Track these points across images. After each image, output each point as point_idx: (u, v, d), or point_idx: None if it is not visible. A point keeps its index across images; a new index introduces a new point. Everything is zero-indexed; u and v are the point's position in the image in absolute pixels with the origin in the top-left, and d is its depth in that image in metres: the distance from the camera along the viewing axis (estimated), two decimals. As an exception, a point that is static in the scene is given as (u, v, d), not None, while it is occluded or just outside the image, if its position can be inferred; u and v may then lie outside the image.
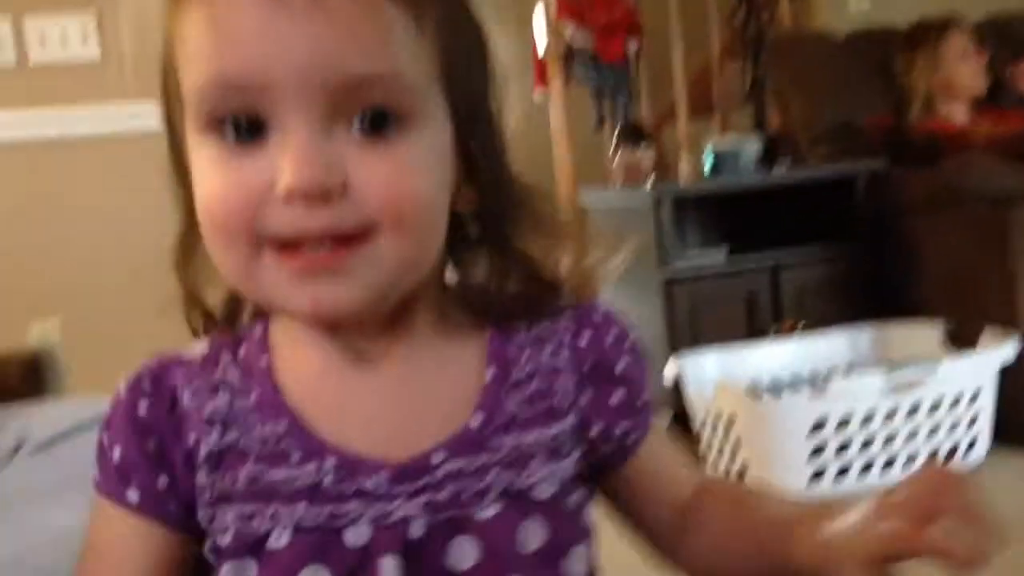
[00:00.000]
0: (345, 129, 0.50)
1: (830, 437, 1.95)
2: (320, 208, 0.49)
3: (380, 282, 0.52)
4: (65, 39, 2.45)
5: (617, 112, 2.91)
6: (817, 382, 2.11)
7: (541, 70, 2.99)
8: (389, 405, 0.57)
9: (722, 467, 2.10)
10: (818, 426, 1.95)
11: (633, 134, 2.64)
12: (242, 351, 0.59)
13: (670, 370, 2.16)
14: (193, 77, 0.51)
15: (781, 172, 2.48)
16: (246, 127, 0.50)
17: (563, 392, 0.59)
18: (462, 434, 0.56)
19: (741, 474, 2.03)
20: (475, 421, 0.57)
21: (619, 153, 2.62)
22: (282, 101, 0.49)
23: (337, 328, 0.56)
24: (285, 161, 0.50)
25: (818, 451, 1.96)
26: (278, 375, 0.58)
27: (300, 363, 0.58)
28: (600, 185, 2.75)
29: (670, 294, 2.34)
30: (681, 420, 2.21)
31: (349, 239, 0.50)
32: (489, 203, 0.58)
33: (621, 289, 2.59)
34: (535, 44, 2.98)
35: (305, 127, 0.50)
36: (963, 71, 2.51)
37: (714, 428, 2.10)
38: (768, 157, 2.54)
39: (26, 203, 2.62)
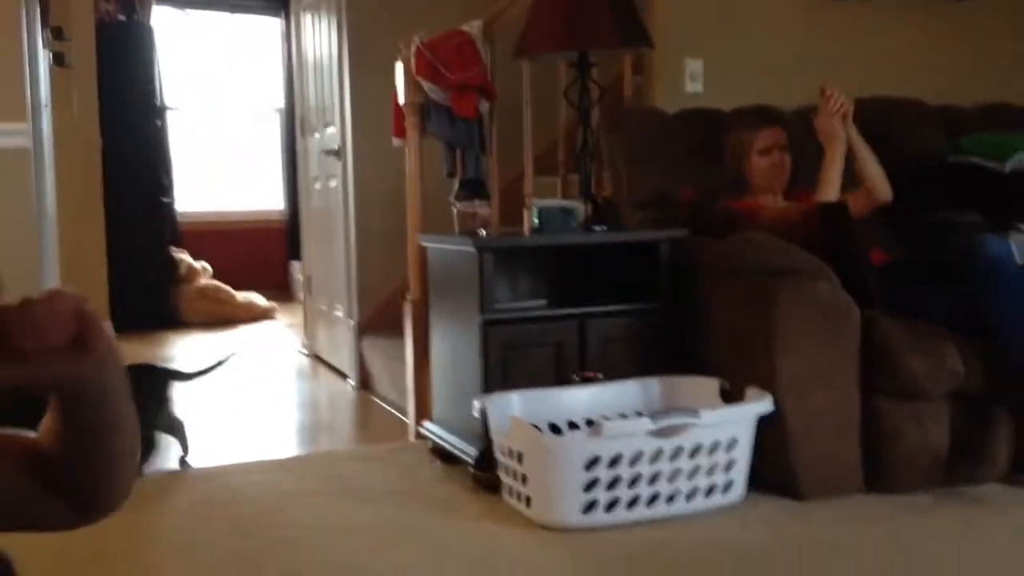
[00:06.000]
0: None
1: (602, 473, 2.19)
2: None
3: None
4: None
5: (468, 165, 3.14)
6: (595, 423, 2.34)
7: (399, 119, 3.22)
8: None
9: (514, 498, 2.31)
10: (592, 463, 2.19)
11: (472, 187, 2.87)
12: None
13: (478, 406, 2.38)
14: None
15: (598, 233, 2.73)
16: None
17: None
18: None
19: (528, 503, 2.25)
20: None
21: (459, 203, 2.85)
22: None
23: None
24: None
25: (591, 485, 2.19)
26: None
27: None
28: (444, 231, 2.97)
29: (487, 336, 2.56)
30: (490, 453, 2.43)
31: None
32: None
33: (449, 328, 2.81)
34: (395, 94, 3.21)
35: None
36: (761, 165, 2.81)
37: (508, 461, 2.32)
38: (593, 218, 2.79)
39: None
